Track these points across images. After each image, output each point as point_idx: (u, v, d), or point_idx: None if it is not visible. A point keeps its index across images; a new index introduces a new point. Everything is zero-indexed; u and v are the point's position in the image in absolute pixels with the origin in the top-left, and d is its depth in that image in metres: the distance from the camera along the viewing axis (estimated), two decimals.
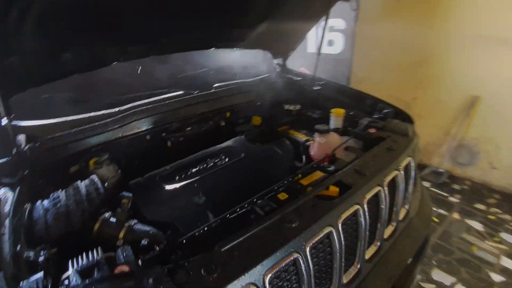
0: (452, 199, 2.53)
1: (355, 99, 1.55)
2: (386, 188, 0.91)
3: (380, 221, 0.92)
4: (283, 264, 0.64)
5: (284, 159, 1.21)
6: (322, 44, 1.60)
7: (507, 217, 2.27)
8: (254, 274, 0.60)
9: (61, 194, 0.89)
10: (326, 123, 1.37)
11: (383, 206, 0.91)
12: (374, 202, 0.89)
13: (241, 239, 0.65)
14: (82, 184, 0.92)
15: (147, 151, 1.26)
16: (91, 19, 0.93)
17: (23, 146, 0.98)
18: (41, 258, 0.70)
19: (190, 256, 0.63)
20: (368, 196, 0.85)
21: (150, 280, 0.58)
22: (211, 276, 0.58)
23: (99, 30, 0.99)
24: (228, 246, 0.63)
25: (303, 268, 0.67)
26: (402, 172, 1.00)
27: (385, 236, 0.98)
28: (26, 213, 0.84)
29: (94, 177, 0.96)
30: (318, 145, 1.19)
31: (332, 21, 2.72)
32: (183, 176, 1.07)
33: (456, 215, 2.31)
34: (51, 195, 0.89)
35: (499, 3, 2.20)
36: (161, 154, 1.29)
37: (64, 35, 0.88)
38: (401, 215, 1.06)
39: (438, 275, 1.79)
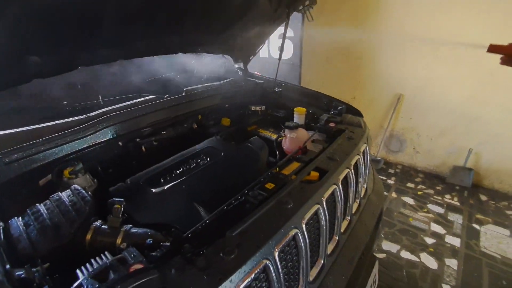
0: (389, 181, 2.98)
1: (312, 98, 1.75)
2: (352, 170, 1.09)
3: (349, 199, 1.10)
4: (287, 239, 0.74)
5: (261, 155, 1.32)
6: (282, 50, 1.76)
7: (430, 191, 2.79)
8: (266, 250, 0.68)
9: (41, 207, 0.83)
10: (290, 120, 1.52)
11: (351, 184, 1.08)
12: (345, 182, 1.06)
13: (248, 222, 0.73)
14: (64, 195, 0.87)
15: (122, 158, 1.23)
16: (61, 23, 0.89)
17: None
18: (36, 275, 0.66)
19: (199, 247, 0.68)
20: (341, 177, 1.01)
21: (173, 270, 0.61)
22: (229, 257, 0.64)
23: (69, 33, 0.95)
24: (239, 230, 0.70)
25: (301, 241, 0.78)
26: (361, 156, 1.20)
27: (353, 211, 1.16)
28: (1, 232, 0.76)
29: (75, 186, 0.91)
30: (290, 139, 1.33)
31: (282, 29, 2.94)
32: (168, 178, 1.08)
33: (393, 194, 2.74)
34: (28, 210, 0.82)
35: (421, 10, 2.67)
36: (136, 159, 1.26)
37: (33, 38, 0.83)
38: (362, 193, 1.27)
39: (386, 245, 2.12)
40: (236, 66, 2.07)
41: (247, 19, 1.51)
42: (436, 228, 2.28)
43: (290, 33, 2.92)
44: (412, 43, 2.80)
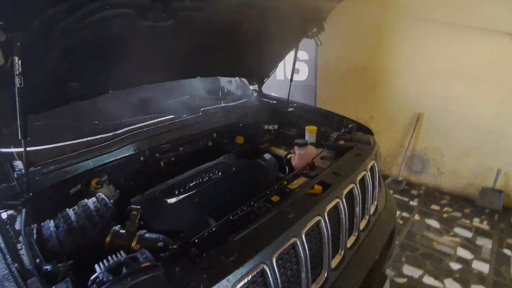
0: (412, 203, 2.85)
1: (324, 117, 1.80)
2: (358, 185, 1.11)
3: (356, 214, 1.11)
4: (286, 247, 0.78)
5: (270, 170, 1.37)
6: (293, 72, 1.87)
7: (457, 214, 2.63)
8: (264, 255, 0.72)
9: (70, 212, 0.94)
10: (302, 139, 1.58)
11: (357, 200, 1.10)
12: (350, 197, 1.08)
13: (249, 229, 0.78)
14: (89, 202, 0.98)
15: (142, 171, 1.34)
16: (97, 54, 1.06)
17: (23, 170, 1.02)
18: (61, 269, 0.75)
19: (204, 250, 0.74)
20: (345, 191, 1.03)
21: (177, 268, 0.68)
22: (229, 259, 0.69)
23: (102, 63, 1.12)
24: (240, 236, 0.76)
25: (301, 251, 0.81)
26: (368, 172, 1.21)
27: (361, 227, 1.16)
28: (34, 232, 0.88)
29: (100, 194, 1.02)
30: (299, 156, 1.38)
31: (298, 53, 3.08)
32: (181, 190, 1.17)
33: (416, 217, 2.62)
34: (59, 214, 0.94)
35: (440, 36, 2.69)
36: (155, 173, 1.37)
37: (74, 67, 0.99)
38: (372, 210, 1.26)
39: (407, 269, 2.01)
40: (251, 88, 2.20)
41: (261, 46, 1.64)
42: (463, 253, 2.13)
43: (304, 56, 3.05)
44: (429, 62, 2.79)
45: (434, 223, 2.51)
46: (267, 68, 1.99)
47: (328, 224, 0.92)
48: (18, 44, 0.72)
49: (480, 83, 2.56)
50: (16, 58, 0.72)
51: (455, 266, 2.01)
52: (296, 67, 2.89)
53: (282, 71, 3.22)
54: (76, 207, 0.97)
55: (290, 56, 2.15)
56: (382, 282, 1.10)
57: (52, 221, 0.92)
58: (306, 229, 0.84)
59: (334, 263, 0.98)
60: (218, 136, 1.68)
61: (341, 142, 1.47)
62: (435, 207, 2.77)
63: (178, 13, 1.08)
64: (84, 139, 1.21)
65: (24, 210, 0.90)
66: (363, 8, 2.91)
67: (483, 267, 1.97)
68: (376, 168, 1.30)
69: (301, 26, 1.60)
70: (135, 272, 0.66)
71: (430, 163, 3.08)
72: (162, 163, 1.42)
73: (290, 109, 1.94)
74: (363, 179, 1.16)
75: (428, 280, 1.91)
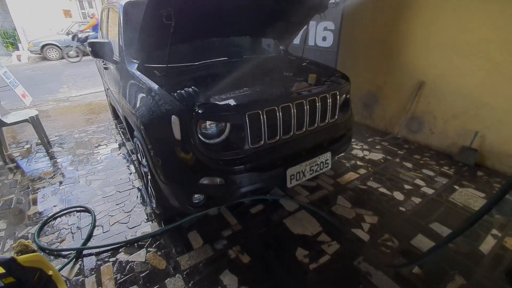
0: (399, 152, 3.61)
1: (323, 69, 2.69)
2: (319, 99, 2.06)
3: (317, 114, 2.08)
4: (270, 108, 1.82)
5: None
6: (305, 40, 2.76)
7: (432, 162, 3.34)
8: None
9: None
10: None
11: (318, 106, 2.06)
12: (313, 105, 2.05)
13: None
14: None
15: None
16: (203, 24, 2.13)
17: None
18: None
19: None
20: (309, 99, 2.00)
21: None
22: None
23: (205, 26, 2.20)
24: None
25: (278, 115, 1.84)
26: (330, 96, 2.14)
27: (320, 124, 2.13)
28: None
29: None
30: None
31: (326, 23, 3.84)
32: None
33: (397, 160, 3.41)
34: None
35: (447, 16, 3.25)
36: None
37: (189, 32, 2.09)
38: (330, 117, 2.21)
39: (370, 183, 2.91)
40: (281, 47, 3.14)
41: (287, 20, 2.57)
42: (418, 182, 2.93)
43: (331, 25, 3.78)
44: (436, 37, 3.34)
45: (408, 165, 3.29)
46: (291, 35, 2.90)
47: (294, 109, 1.92)
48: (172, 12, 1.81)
49: (473, 57, 3.08)
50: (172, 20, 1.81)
51: (407, 187, 2.85)
52: (324, 35, 3.78)
53: (313, 38, 4.02)
54: None
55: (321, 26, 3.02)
56: (324, 152, 2.09)
57: None
58: (281, 105, 1.86)
59: (300, 129, 2.00)
60: None
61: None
62: (417, 156, 3.50)
63: None
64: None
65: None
66: None
67: (429, 191, 2.77)
68: (339, 97, 2.21)
69: (312, 7, 2.47)
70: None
71: (425, 124, 3.73)
72: None
73: (303, 64, 2.86)
74: (325, 96, 2.10)
75: (382, 190, 2.81)
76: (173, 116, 1.70)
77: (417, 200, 2.65)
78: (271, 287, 1.81)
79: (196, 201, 1.87)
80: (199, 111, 1.66)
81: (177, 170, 1.78)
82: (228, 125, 1.76)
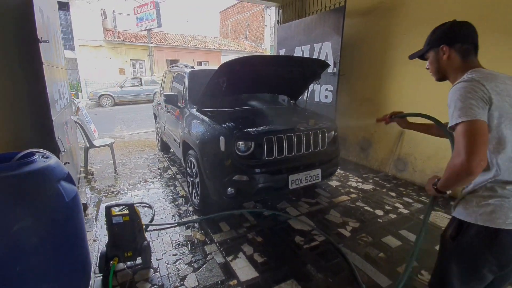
0: (387, 185, 4.45)
1: (319, 116, 3.85)
2: (312, 133, 3.15)
3: (310, 143, 3.14)
4: (279, 136, 2.93)
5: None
6: (307, 97, 4.00)
7: (413, 194, 4.14)
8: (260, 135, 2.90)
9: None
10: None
11: (310, 138, 3.14)
12: (307, 137, 3.14)
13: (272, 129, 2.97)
14: None
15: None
16: (239, 84, 3.46)
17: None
18: None
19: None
20: (305, 132, 3.10)
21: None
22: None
23: (242, 86, 3.52)
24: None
25: (284, 141, 2.94)
26: (320, 132, 3.23)
27: (312, 149, 3.18)
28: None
29: None
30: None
31: (327, 86, 5.16)
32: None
33: (384, 190, 4.25)
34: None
35: (418, 77, 4.43)
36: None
37: (232, 90, 3.39)
38: (320, 147, 3.26)
39: (359, 203, 3.76)
40: (292, 101, 4.41)
41: (295, 83, 3.87)
42: (398, 205, 3.74)
43: (330, 87, 5.08)
44: (410, 96, 4.47)
45: (392, 194, 4.11)
46: (298, 93, 4.19)
47: (295, 138, 3.01)
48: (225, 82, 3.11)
49: (432, 113, 4.11)
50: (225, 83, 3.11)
51: (387, 207, 3.66)
52: (326, 94, 5.09)
53: (318, 96, 5.32)
54: None
55: (323, 88, 4.31)
56: (316, 168, 3.08)
57: None
58: (286, 135, 2.97)
59: (299, 151, 3.05)
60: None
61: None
62: (401, 189, 4.31)
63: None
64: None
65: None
66: (371, 55, 4.84)
67: (404, 211, 3.55)
68: (327, 133, 3.30)
69: (310, 76, 3.77)
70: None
71: (408, 164, 4.61)
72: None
73: (307, 113, 4.05)
74: (316, 132, 3.20)
75: (366, 208, 3.63)
76: (221, 137, 2.85)
77: (393, 215, 3.45)
78: (276, 254, 2.66)
79: (229, 193, 2.89)
80: (237, 135, 2.82)
81: (219, 170, 2.86)
82: (253, 144, 2.88)
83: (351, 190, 4.22)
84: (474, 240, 1.17)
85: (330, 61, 4.88)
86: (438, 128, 1.61)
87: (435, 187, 1.27)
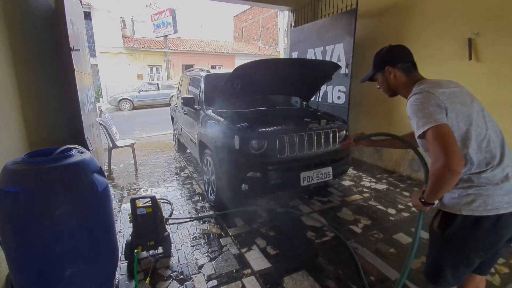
0: (401, 185, 4.45)
1: (331, 117, 3.94)
2: (323, 132, 3.25)
3: (322, 143, 3.24)
4: (292, 134, 3.05)
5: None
6: (319, 96, 4.09)
7: None
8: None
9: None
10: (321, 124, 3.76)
11: (322, 137, 3.24)
12: (319, 136, 3.24)
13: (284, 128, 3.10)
14: None
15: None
16: (253, 86, 3.62)
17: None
18: None
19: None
20: (317, 131, 3.21)
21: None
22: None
23: (256, 88, 3.68)
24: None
25: (296, 139, 3.06)
26: (331, 131, 3.32)
27: (324, 148, 3.28)
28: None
29: None
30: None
31: (339, 87, 5.23)
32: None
33: (398, 190, 4.25)
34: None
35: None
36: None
37: (246, 92, 3.55)
38: (331, 146, 3.34)
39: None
40: (304, 103, 4.52)
41: (307, 85, 3.98)
42: (411, 204, 3.75)
43: (343, 88, 5.13)
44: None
45: (406, 193, 4.11)
46: (310, 94, 4.29)
47: (306, 137, 3.12)
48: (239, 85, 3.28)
49: None
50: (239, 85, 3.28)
51: (400, 206, 3.68)
52: (338, 95, 5.18)
53: (331, 97, 5.39)
54: None
55: (336, 89, 4.41)
56: (327, 166, 3.17)
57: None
58: (297, 134, 3.09)
59: (310, 150, 3.16)
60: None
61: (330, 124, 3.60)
62: (416, 188, 4.30)
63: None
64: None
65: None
66: None
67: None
68: (338, 132, 3.38)
69: (321, 78, 3.87)
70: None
71: None
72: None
73: (318, 113, 4.15)
74: (327, 132, 3.29)
75: (379, 206, 3.67)
76: (235, 136, 3.01)
77: (405, 214, 3.47)
78: (288, 247, 2.77)
79: (243, 189, 3.03)
80: (251, 134, 2.96)
81: (234, 166, 3.01)
82: (266, 142, 3.01)
83: (364, 189, 4.26)
84: (460, 229, 1.26)
85: (343, 63, 4.96)
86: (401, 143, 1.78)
87: (422, 200, 1.29)
